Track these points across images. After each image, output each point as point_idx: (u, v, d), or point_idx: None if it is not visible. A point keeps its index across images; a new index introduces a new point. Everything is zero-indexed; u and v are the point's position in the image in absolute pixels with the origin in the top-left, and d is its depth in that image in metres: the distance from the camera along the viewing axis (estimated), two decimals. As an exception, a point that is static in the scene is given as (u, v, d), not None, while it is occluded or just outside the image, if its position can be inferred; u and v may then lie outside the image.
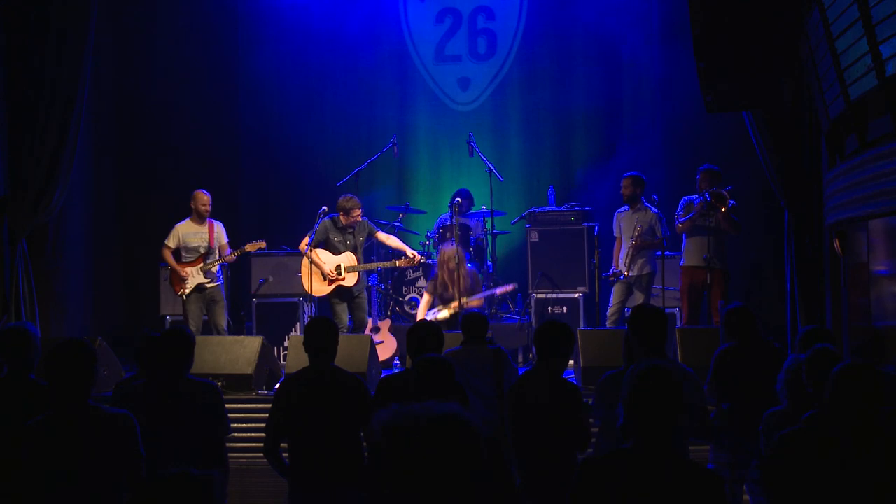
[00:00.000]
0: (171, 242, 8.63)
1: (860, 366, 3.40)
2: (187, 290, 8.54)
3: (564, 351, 4.76)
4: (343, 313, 8.60)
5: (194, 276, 8.56)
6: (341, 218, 8.59)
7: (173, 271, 8.62)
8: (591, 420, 5.11)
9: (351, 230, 8.63)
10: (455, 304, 8.47)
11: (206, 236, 8.67)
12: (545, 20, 11.08)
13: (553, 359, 4.74)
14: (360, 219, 8.63)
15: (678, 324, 8.72)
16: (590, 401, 4.84)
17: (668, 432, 2.88)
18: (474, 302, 8.54)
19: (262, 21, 11.12)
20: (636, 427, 2.91)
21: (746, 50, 6.92)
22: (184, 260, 8.63)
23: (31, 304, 8.40)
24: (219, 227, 8.77)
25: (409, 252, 8.62)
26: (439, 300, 8.64)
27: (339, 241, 8.61)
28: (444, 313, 8.55)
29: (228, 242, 8.81)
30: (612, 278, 8.71)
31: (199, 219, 8.68)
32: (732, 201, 8.27)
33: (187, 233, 8.65)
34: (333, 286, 8.53)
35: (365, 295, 8.79)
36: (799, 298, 7.85)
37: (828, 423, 3.41)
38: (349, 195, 8.67)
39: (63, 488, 3.66)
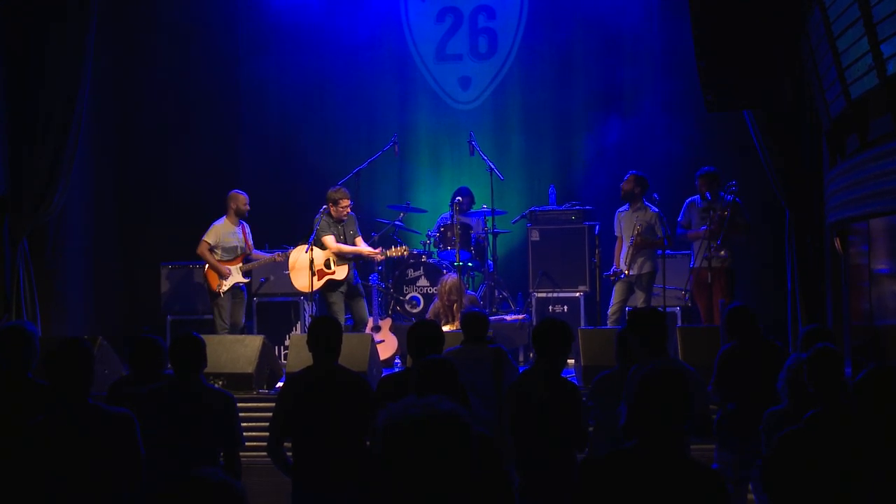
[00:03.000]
0: (211, 239, 8.70)
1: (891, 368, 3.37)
2: (225, 288, 8.65)
3: (563, 350, 4.76)
4: (340, 312, 8.60)
5: (234, 275, 8.69)
6: (331, 210, 8.62)
7: (212, 267, 8.65)
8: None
9: (342, 223, 8.66)
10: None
11: (241, 237, 8.82)
12: (546, 19, 11.07)
13: (552, 358, 4.73)
14: (349, 210, 8.66)
15: (678, 323, 8.73)
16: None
17: (675, 433, 2.88)
18: None
19: (262, 20, 11.11)
20: (642, 427, 2.91)
21: (746, 50, 6.92)
22: (221, 259, 8.71)
23: (32, 303, 8.41)
24: (247, 229, 8.94)
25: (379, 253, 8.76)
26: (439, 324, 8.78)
27: (329, 238, 8.64)
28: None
29: (253, 244, 8.98)
30: (612, 277, 8.71)
31: (237, 219, 8.80)
32: (738, 199, 8.23)
33: (226, 232, 8.76)
34: (324, 280, 8.55)
35: (362, 292, 8.82)
36: (800, 298, 7.85)
37: (853, 422, 3.39)
38: (338, 186, 8.76)
39: (63, 487, 3.65)
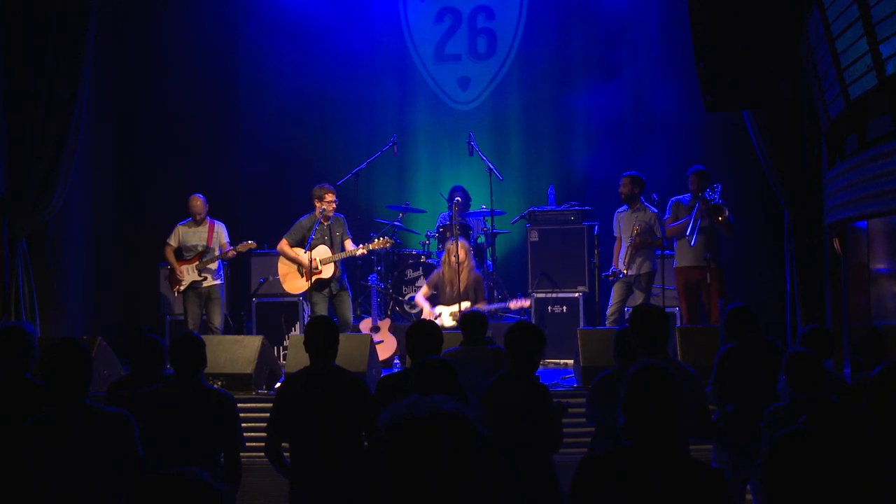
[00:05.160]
0: (173, 241, 8.91)
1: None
2: (182, 287, 8.80)
3: (535, 354, 4.75)
4: (323, 313, 8.54)
5: (189, 274, 8.79)
6: (316, 207, 8.56)
7: (171, 269, 8.86)
8: (584, 420, 5.10)
9: (328, 223, 8.59)
10: (456, 309, 8.54)
11: (205, 236, 8.87)
12: (545, 19, 11.09)
13: (524, 361, 4.73)
14: (334, 205, 8.57)
15: (678, 324, 8.72)
16: (563, 401, 4.81)
17: (666, 431, 2.88)
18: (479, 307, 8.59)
19: (262, 21, 11.13)
20: (634, 426, 2.91)
21: (746, 50, 6.92)
22: (183, 258, 8.87)
23: (31, 303, 8.41)
24: (219, 228, 8.97)
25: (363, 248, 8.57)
26: (439, 297, 8.75)
27: (315, 238, 8.61)
28: (447, 321, 8.65)
29: (229, 242, 8.96)
30: (611, 278, 8.72)
31: (199, 219, 8.92)
32: (722, 200, 8.26)
33: (186, 232, 8.91)
34: (312, 279, 8.52)
35: (347, 293, 8.69)
36: (799, 298, 7.86)
37: (833, 426, 3.39)
38: (323, 184, 8.68)
39: (60, 488, 3.64)
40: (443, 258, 8.87)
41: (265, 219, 10.65)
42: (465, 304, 8.55)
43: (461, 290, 8.62)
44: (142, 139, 10.81)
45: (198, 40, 10.79)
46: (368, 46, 11.20)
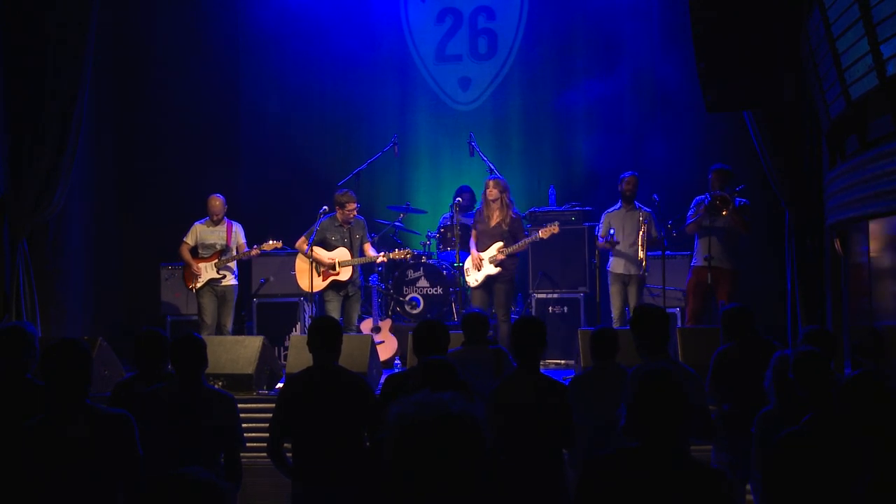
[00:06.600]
0: (190, 239, 8.94)
1: (872, 373, 3.36)
2: (198, 285, 8.83)
3: (541, 347, 4.73)
4: (335, 312, 8.61)
5: (207, 272, 8.84)
6: (337, 212, 8.64)
7: (188, 266, 8.90)
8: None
9: (349, 226, 8.66)
10: (493, 253, 8.49)
11: (224, 235, 8.94)
12: (546, 20, 11.09)
13: (532, 356, 4.71)
14: (355, 213, 8.67)
15: (678, 323, 8.73)
16: None
17: (672, 433, 2.89)
18: (518, 247, 8.55)
19: (262, 21, 11.12)
20: (640, 428, 2.92)
21: (746, 50, 6.93)
22: (200, 256, 8.91)
23: (32, 303, 8.40)
24: (237, 228, 9.06)
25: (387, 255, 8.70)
26: (481, 236, 8.67)
27: (335, 239, 8.66)
28: (480, 273, 8.55)
29: (246, 243, 9.03)
30: (607, 245, 8.67)
31: (217, 218, 8.97)
32: (745, 200, 8.26)
33: (204, 230, 8.96)
34: (328, 280, 8.58)
35: (359, 297, 8.82)
36: (799, 298, 7.85)
37: (835, 427, 3.39)
38: (345, 189, 8.79)
39: (60, 488, 3.64)
40: (483, 194, 8.75)
41: (266, 219, 10.64)
42: (498, 245, 8.50)
43: (492, 224, 8.56)
44: (142, 140, 10.80)
45: (199, 41, 10.79)
46: (369, 47, 11.19)
